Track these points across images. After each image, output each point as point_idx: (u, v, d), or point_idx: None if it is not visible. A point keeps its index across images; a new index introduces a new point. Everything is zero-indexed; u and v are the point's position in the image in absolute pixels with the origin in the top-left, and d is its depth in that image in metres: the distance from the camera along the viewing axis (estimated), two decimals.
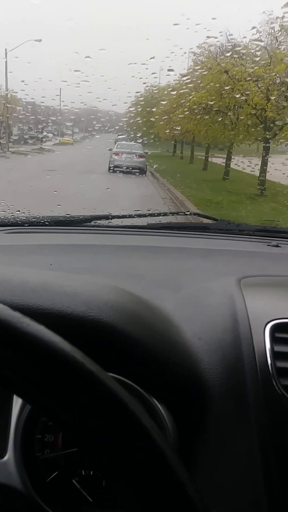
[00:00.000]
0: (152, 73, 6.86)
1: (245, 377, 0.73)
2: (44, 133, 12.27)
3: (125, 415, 0.46)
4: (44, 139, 12.50)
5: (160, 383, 0.73)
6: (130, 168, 10.37)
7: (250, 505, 0.67)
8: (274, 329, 0.78)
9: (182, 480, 0.47)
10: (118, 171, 10.03)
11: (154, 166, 11.91)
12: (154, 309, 0.85)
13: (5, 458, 0.76)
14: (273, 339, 0.77)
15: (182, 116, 10.38)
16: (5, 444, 0.76)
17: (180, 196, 8.95)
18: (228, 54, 10.68)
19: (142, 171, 11.03)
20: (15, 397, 0.78)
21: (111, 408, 0.46)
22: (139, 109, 9.76)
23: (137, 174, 10.66)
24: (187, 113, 10.28)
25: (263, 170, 10.07)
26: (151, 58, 4.22)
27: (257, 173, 10.23)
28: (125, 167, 10.26)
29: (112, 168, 10.57)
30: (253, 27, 9.20)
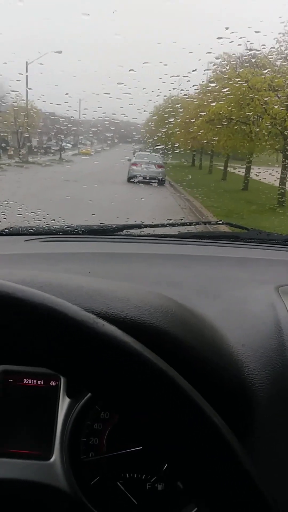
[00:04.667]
0: (194, 85, 6.85)
1: None
2: (64, 144, 12.34)
3: (203, 418, 0.49)
4: (63, 150, 12.57)
5: (208, 387, 0.72)
6: (149, 178, 10.37)
7: None
8: None
9: (254, 478, 0.50)
10: (137, 181, 10.04)
11: (189, 177, 11.89)
12: (199, 316, 0.85)
13: (51, 460, 0.79)
14: None
15: (201, 126, 10.37)
16: (51, 447, 0.80)
17: (200, 206, 8.91)
18: (247, 64, 10.67)
19: (161, 181, 11.02)
20: (60, 400, 0.82)
21: (186, 408, 0.49)
22: (158, 120, 9.77)
23: (156, 184, 10.65)
24: (206, 123, 10.27)
25: (283, 180, 9.98)
26: (193, 70, 4.22)
27: (277, 183, 10.14)
28: (144, 177, 10.27)
29: (131, 178, 10.59)
30: (274, 38, 9.14)
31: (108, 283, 0.82)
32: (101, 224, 1.71)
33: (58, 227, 1.70)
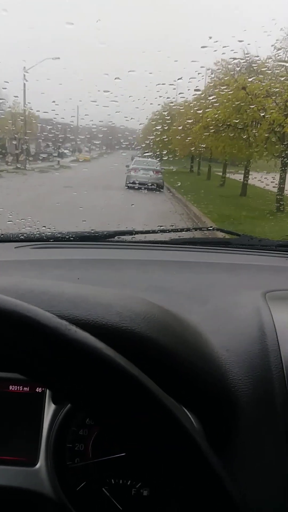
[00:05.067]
0: (180, 93, 6.88)
1: (273, 387, 0.74)
2: (62, 150, 12.36)
3: (169, 417, 0.50)
4: (61, 156, 12.59)
5: (191, 392, 0.73)
6: (147, 184, 10.39)
7: None
8: None
9: (222, 477, 0.51)
10: (135, 187, 10.06)
11: (178, 184, 11.96)
12: (183, 321, 0.85)
13: (37, 466, 0.79)
14: None
15: (199, 132, 10.40)
16: (36, 453, 0.80)
17: (198, 212, 8.92)
18: (245, 71, 10.72)
19: (159, 187, 11.04)
20: (46, 407, 0.82)
21: (156, 412, 0.50)
22: (156, 125, 9.79)
23: (154, 189, 10.67)
24: (204, 129, 10.30)
25: (281, 186, 10.01)
26: (178, 79, 4.25)
27: (275, 188, 10.16)
28: (142, 183, 10.28)
29: (129, 184, 10.61)
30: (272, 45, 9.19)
31: (91, 289, 0.82)
32: (92, 231, 1.72)
33: (49, 233, 1.71)
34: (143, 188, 10.01)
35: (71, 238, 1.66)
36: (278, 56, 10.78)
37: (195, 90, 10.24)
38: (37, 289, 0.69)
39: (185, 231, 1.85)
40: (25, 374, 0.50)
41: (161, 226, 1.80)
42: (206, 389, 0.74)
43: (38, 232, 1.75)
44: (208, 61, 10.90)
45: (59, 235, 1.68)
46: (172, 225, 1.85)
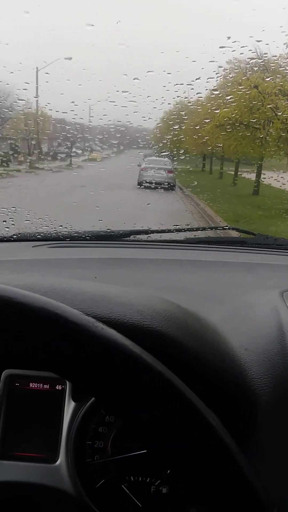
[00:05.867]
0: (197, 93, 6.89)
1: None
2: (73, 149, 12.39)
3: (198, 416, 0.51)
4: (73, 155, 12.63)
5: (210, 390, 0.73)
6: (160, 183, 10.37)
7: None
8: None
9: (248, 476, 0.51)
10: (147, 186, 10.05)
11: (195, 183, 11.93)
12: (202, 321, 0.86)
13: (57, 463, 0.80)
14: None
15: (211, 131, 10.37)
16: (57, 450, 0.81)
17: (210, 211, 8.90)
18: (257, 69, 10.67)
19: (171, 186, 11.02)
20: (66, 404, 0.83)
21: (182, 409, 0.51)
22: (168, 125, 9.78)
23: (166, 189, 10.65)
24: (216, 128, 10.27)
25: None
26: (196, 79, 4.25)
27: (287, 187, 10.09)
28: (154, 183, 10.27)
29: (141, 183, 10.60)
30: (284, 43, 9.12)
31: (111, 288, 0.83)
32: (108, 230, 1.73)
33: (66, 233, 1.72)
34: (157, 187, 10.01)
35: (87, 237, 1.67)
36: None
37: (212, 90, 10.24)
38: (59, 288, 0.70)
39: (201, 230, 1.86)
40: (52, 370, 0.50)
41: (176, 225, 1.80)
42: (225, 387, 0.74)
43: (55, 231, 1.77)
44: (222, 60, 10.85)
45: (75, 234, 1.69)
46: (188, 224, 1.85)
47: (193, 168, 16.80)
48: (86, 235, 1.67)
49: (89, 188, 8.77)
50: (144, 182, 10.40)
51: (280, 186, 10.42)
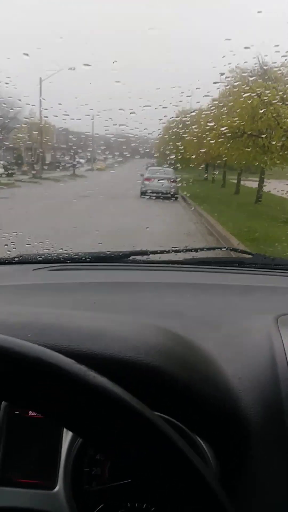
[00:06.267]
0: (197, 102, 6.90)
1: (283, 416, 0.75)
2: (77, 159, 12.45)
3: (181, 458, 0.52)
4: (76, 165, 12.69)
5: (203, 421, 0.75)
6: (162, 193, 10.39)
7: None
8: None
9: (219, 497, 0.53)
10: (149, 197, 10.08)
11: (197, 191, 11.94)
12: (196, 350, 0.87)
13: (56, 489, 0.81)
14: None
15: (213, 140, 10.39)
16: (55, 476, 0.82)
17: (212, 220, 8.90)
18: (259, 78, 10.70)
19: (173, 196, 11.03)
20: (64, 432, 0.83)
21: (170, 455, 0.52)
22: (171, 134, 9.81)
23: (169, 198, 10.67)
24: (219, 138, 10.28)
25: None
26: (196, 88, 4.28)
27: None
28: (156, 192, 10.28)
29: (143, 193, 10.62)
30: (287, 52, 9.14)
31: (107, 320, 0.85)
32: (107, 252, 1.74)
33: (66, 255, 1.74)
34: (160, 197, 10.02)
35: (87, 259, 1.68)
36: None
37: (214, 99, 10.28)
38: (57, 323, 0.73)
39: (199, 250, 1.87)
40: (45, 416, 0.54)
41: (175, 247, 1.82)
42: (219, 417, 0.75)
43: (55, 253, 1.79)
44: (224, 69, 10.91)
45: (75, 256, 1.70)
46: (187, 246, 1.87)
47: (195, 178, 16.83)
48: (86, 257, 1.69)
49: (90, 198, 8.79)
50: (147, 192, 10.43)
51: (278, 192, 10.44)
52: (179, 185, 11.36)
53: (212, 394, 0.76)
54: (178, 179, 10.97)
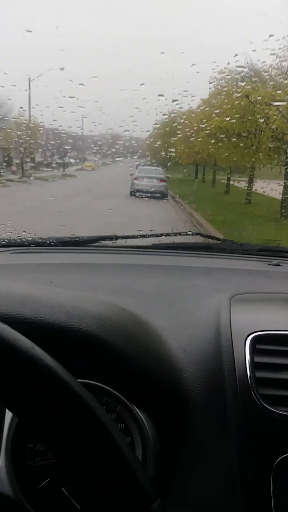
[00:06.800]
0: (174, 100, 6.92)
1: (224, 387, 0.76)
2: (67, 159, 12.44)
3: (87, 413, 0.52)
4: (66, 165, 12.67)
5: (142, 391, 0.76)
6: (152, 192, 10.40)
7: (227, 508, 0.69)
8: (255, 340, 0.81)
9: (132, 467, 0.53)
10: (139, 196, 10.07)
11: (187, 192, 11.92)
12: (143, 324, 0.87)
13: None
14: (254, 350, 0.80)
15: (203, 140, 10.41)
16: None
17: (201, 219, 8.92)
18: (248, 79, 10.76)
19: (163, 195, 11.06)
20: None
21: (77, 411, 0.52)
22: (161, 133, 9.83)
23: (159, 198, 10.69)
24: (208, 138, 10.32)
25: (285, 193, 9.99)
26: (184, 91, 4.31)
27: (279, 196, 10.14)
28: (146, 192, 10.29)
29: (133, 192, 10.63)
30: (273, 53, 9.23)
31: (46, 290, 0.84)
32: (73, 236, 1.71)
33: (30, 239, 1.71)
34: (147, 196, 10.02)
35: (52, 243, 1.65)
36: (280, 64, 10.82)
37: (204, 100, 10.31)
38: None
39: (165, 236, 1.84)
40: None
41: (140, 230, 1.79)
42: (158, 389, 0.76)
43: (18, 237, 1.76)
44: (214, 71, 10.96)
45: (40, 240, 1.68)
46: (151, 230, 1.84)
47: (185, 177, 16.84)
48: (51, 241, 1.66)
49: (79, 197, 8.78)
50: (137, 191, 10.44)
51: (268, 192, 10.50)
52: (169, 184, 11.38)
53: (155, 366, 0.77)
54: (168, 179, 10.98)
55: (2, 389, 0.50)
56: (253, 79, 10.54)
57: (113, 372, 0.73)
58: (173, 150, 10.98)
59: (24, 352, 0.50)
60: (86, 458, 0.52)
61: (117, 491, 0.52)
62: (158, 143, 9.04)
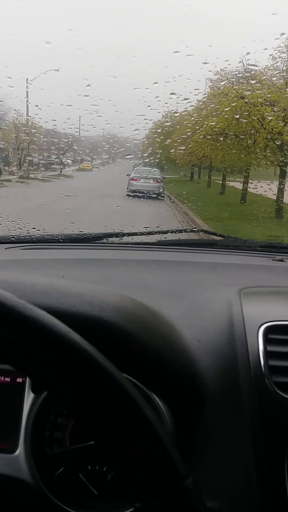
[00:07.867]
0: (159, 100, 6.93)
1: (238, 375, 0.79)
2: (64, 160, 12.49)
3: (118, 388, 0.53)
4: (64, 165, 12.71)
5: (159, 379, 0.78)
6: (148, 193, 10.44)
7: (242, 494, 0.71)
8: (268, 330, 0.83)
9: (165, 444, 0.54)
10: (136, 196, 10.12)
11: (184, 192, 11.93)
12: (157, 314, 0.90)
13: (16, 453, 0.81)
14: (267, 340, 0.82)
15: (198, 141, 10.47)
16: (16, 440, 0.81)
17: (197, 219, 8.98)
18: (244, 80, 10.84)
19: (159, 195, 11.09)
20: (26, 396, 0.83)
21: (106, 383, 0.53)
22: (157, 135, 9.90)
23: (155, 198, 10.73)
24: (203, 138, 10.38)
25: (280, 193, 10.06)
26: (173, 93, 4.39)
27: (274, 196, 10.21)
28: (142, 192, 10.32)
29: (130, 193, 10.67)
30: (270, 55, 9.31)
31: (66, 281, 0.87)
32: (81, 233, 1.74)
33: (39, 235, 1.74)
34: (144, 196, 10.06)
35: (60, 240, 1.68)
36: (275, 65, 10.91)
37: (199, 101, 10.36)
38: (12, 280, 0.74)
39: (171, 232, 1.87)
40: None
41: (147, 227, 1.83)
42: (174, 376, 0.79)
43: (28, 234, 1.78)
44: (208, 72, 11.05)
45: (48, 237, 1.70)
46: (158, 227, 1.88)
47: (181, 178, 16.87)
48: (59, 237, 1.69)
49: (76, 197, 8.79)
50: (133, 191, 10.48)
51: (262, 192, 10.55)
52: (165, 184, 11.40)
53: (170, 355, 0.80)
54: (164, 179, 11.02)
55: (47, 376, 0.52)
56: (249, 80, 10.60)
57: (132, 359, 0.75)
58: (170, 151, 11.06)
59: (64, 335, 0.51)
60: (122, 437, 0.53)
61: (151, 468, 0.53)
62: (155, 144, 9.10)
